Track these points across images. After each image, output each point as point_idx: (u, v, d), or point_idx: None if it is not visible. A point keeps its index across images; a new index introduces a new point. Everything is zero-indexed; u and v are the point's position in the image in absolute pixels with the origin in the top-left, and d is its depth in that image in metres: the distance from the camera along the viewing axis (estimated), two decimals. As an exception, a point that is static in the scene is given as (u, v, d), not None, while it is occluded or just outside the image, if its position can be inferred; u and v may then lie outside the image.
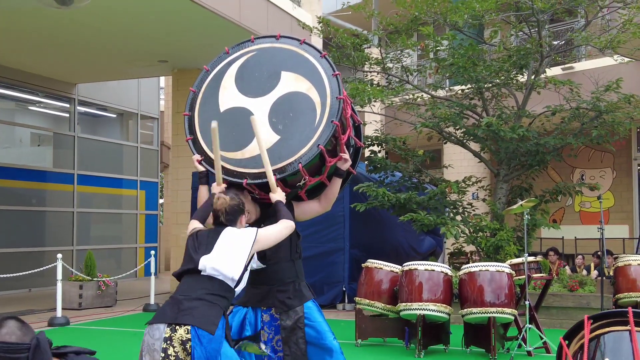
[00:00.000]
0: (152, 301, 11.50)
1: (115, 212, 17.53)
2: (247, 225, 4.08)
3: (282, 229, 3.78)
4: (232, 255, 3.57)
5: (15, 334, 2.53)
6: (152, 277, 11.69)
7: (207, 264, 3.54)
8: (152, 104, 18.76)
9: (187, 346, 3.32)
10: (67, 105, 16.12)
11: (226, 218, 3.72)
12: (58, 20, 10.92)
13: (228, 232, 3.67)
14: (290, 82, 4.11)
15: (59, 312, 9.82)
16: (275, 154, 3.94)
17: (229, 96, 4.17)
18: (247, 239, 3.64)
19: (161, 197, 23.03)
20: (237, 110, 4.11)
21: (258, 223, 4.11)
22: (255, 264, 4.06)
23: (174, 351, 3.33)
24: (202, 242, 3.63)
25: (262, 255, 4.06)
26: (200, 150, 4.13)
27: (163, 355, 3.33)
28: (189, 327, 3.34)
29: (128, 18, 10.97)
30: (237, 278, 3.56)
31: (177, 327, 3.35)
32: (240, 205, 3.78)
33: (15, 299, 13.18)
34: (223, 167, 4.01)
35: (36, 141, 16.77)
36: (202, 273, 3.55)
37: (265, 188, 4.01)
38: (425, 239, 13.61)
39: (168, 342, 3.35)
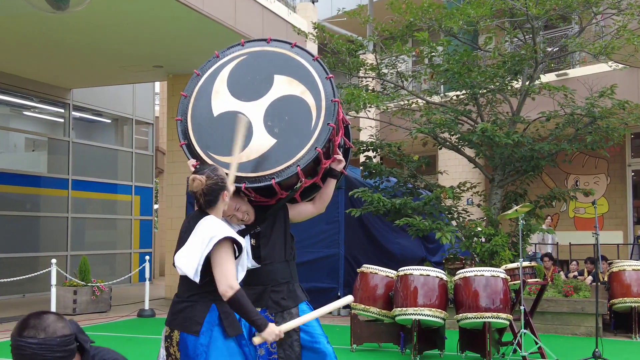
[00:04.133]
0: (146, 306, 11.47)
1: (110, 217, 17.50)
2: (243, 223, 4.09)
3: (224, 281, 3.35)
4: (190, 254, 3.43)
5: (67, 326, 2.55)
6: (147, 282, 11.66)
7: (176, 262, 3.50)
8: (147, 110, 18.75)
9: (178, 346, 3.44)
10: (62, 111, 16.10)
11: (205, 199, 3.51)
12: (53, 26, 10.92)
13: (200, 226, 3.46)
14: (284, 86, 4.11)
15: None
16: (273, 157, 3.94)
17: (222, 100, 4.17)
18: (206, 245, 3.36)
19: (156, 203, 23.01)
20: (231, 114, 4.11)
21: (253, 226, 4.12)
22: (250, 263, 4.07)
23: (173, 350, 3.45)
24: (182, 236, 3.56)
25: (257, 255, 4.07)
26: (195, 155, 4.12)
27: (166, 353, 3.48)
28: (178, 331, 3.45)
29: (123, 23, 10.97)
30: (195, 278, 3.38)
31: (173, 328, 3.48)
32: (219, 183, 3.53)
33: (9, 304, 13.12)
34: None
35: (31, 146, 16.75)
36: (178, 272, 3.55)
37: (262, 192, 4.01)
38: (420, 244, 13.62)
39: (168, 341, 3.48)
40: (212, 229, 3.41)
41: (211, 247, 3.34)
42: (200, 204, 3.53)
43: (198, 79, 4.33)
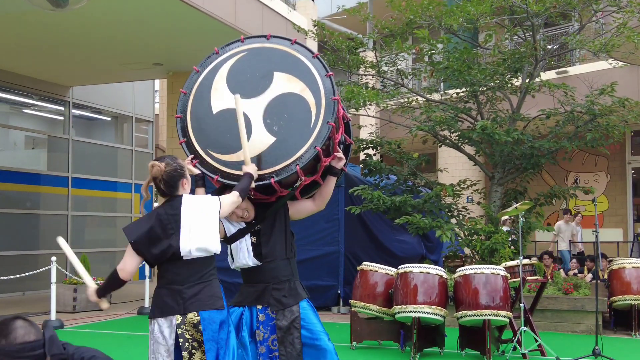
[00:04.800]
0: (146, 304, 11.47)
1: (110, 215, 17.50)
2: (242, 221, 4.10)
3: (234, 200, 3.77)
4: (208, 229, 3.62)
5: (32, 332, 2.61)
6: (147, 280, 11.66)
7: (191, 247, 3.59)
8: (146, 107, 18.74)
9: (199, 327, 3.56)
10: (62, 108, 16.10)
11: (165, 185, 3.66)
12: (53, 24, 10.91)
13: (188, 206, 3.63)
14: (283, 83, 4.09)
15: (53, 316, 9.79)
16: (272, 156, 3.93)
17: (221, 97, 4.15)
18: (212, 209, 3.66)
19: (156, 200, 22.99)
20: (230, 111, 4.08)
21: (254, 224, 4.11)
22: (251, 261, 4.07)
23: (190, 334, 3.57)
24: (166, 223, 3.60)
25: (258, 253, 4.07)
26: (194, 153, 4.11)
27: (182, 340, 3.56)
28: (197, 312, 3.57)
29: (123, 21, 10.96)
30: (219, 251, 3.65)
31: (187, 313, 3.58)
32: (178, 170, 3.69)
33: (9, 302, 13.13)
34: (219, 170, 4.00)
35: (30, 144, 16.75)
36: (185, 258, 3.59)
37: (261, 189, 4.00)
38: (419, 242, 13.62)
39: (182, 327, 3.57)
40: (203, 201, 3.69)
41: (218, 205, 3.67)
42: (162, 190, 3.68)
43: (197, 75, 4.31)
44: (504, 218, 11.10)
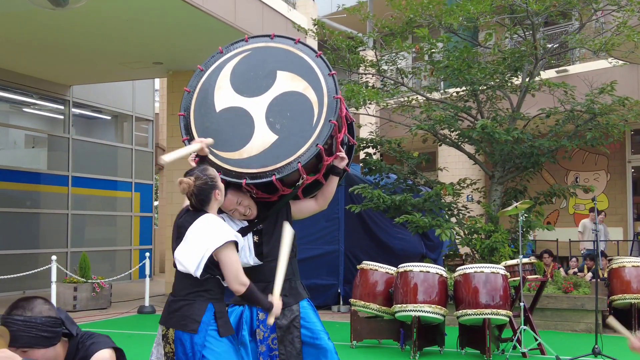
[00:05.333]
0: (146, 303, 11.48)
1: (110, 214, 17.51)
2: (245, 218, 4.10)
3: (230, 254, 3.48)
4: (193, 249, 3.49)
5: (53, 310, 2.73)
6: (147, 279, 11.67)
7: (177, 256, 3.56)
8: (147, 106, 18.74)
9: (174, 344, 3.49)
10: (62, 107, 16.10)
11: (197, 200, 3.57)
12: (52, 22, 10.91)
13: (199, 223, 3.52)
14: (286, 82, 4.11)
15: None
16: (274, 153, 3.94)
17: (225, 96, 4.16)
18: (212, 242, 3.43)
19: (156, 200, 23.01)
20: (234, 109, 4.10)
21: (256, 223, 4.12)
22: (253, 260, 4.08)
23: (170, 348, 3.49)
24: (182, 230, 3.59)
25: (259, 252, 4.08)
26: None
27: (164, 352, 3.53)
28: (173, 328, 3.50)
29: (123, 20, 10.96)
30: (196, 273, 3.45)
31: (169, 327, 3.52)
32: (209, 182, 3.57)
33: (10, 301, 12.97)
34: (221, 167, 4.00)
35: (31, 143, 16.75)
36: (177, 268, 3.58)
37: (263, 188, 4.01)
38: (420, 241, 13.62)
39: (165, 339, 3.53)
40: (217, 228, 3.50)
41: (219, 244, 3.42)
42: (194, 205, 3.59)
43: (202, 74, 4.33)
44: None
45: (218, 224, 3.54)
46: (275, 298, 3.64)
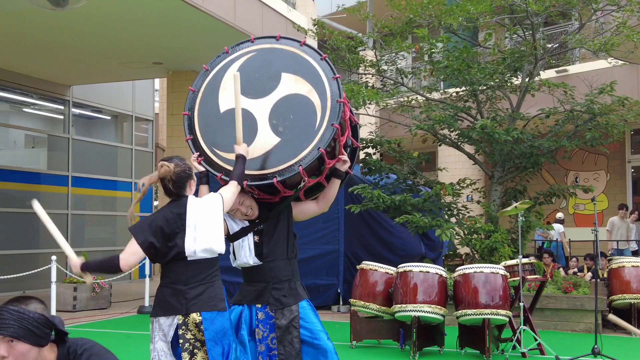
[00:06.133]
0: (146, 303, 11.48)
1: (110, 214, 17.50)
2: (247, 218, 4.11)
3: (234, 190, 3.81)
4: (213, 230, 3.65)
5: (46, 311, 2.77)
6: (147, 279, 11.67)
7: (195, 247, 3.61)
8: (146, 106, 18.74)
9: (201, 327, 3.59)
10: (62, 107, 16.10)
11: (174, 186, 3.71)
12: (52, 22, 10.91)
13: (193, 206, 3.67)
14: (290, 84, 4.11)
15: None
16: (276, 156, 3.95)
17: (229, 97, 4.16)
18: (217, 208, 3.69)
19: (155, 200, 22.99)
20: None
21: (257, 223, 4.12)
22: (253, 260, 4.08)
23: (192, 334, 3.60)
24: (172, 222, 3.64)
25: (259, 252, 4.08)
26: (200, 150, 4.13)
27: (182, 341, 3.59)
28: (199, 312, 3.60)
29: (122, 20, 10.97)
30: (223, 251, 3.71)
31: (190, 313, 3.60)
32: (187, 170, 3.75)
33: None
34: (223, 168, 4.01)
35: (30, 143, 16.75)
36: (190, 258, 3.62)
37: (265, 189, 4.01)
38: (419, 241, 13.61)
39: (183, 327, 3.60)
40: (207, 201, 3.72)
41: (221, 202, 3.71)
42: (170, 189, 3.72)
43: (207, 74, 4.33)
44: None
45: (203, 198, 3.78)
46: (239, 143, 3.89)
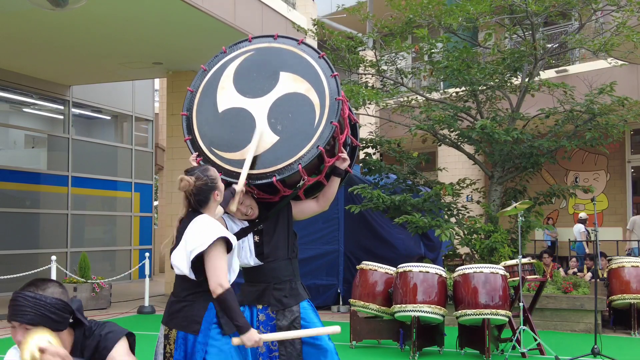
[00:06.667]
0: (146, 303, 11.49)
1: (110, 214, 17.50)
2: (247, 218, 4.10)
3: (215, 280, 3.39)
4: (183, 252, 3.50)
5: (65, 295, 2.71)
6: (147, 279, 11.67)
7: (172, 260, 3.56)
8: (146, 106, 18.74)
9: (175, 344, 3.49)
10: (62, 107, 16.10)
11: (195, 200, 3.53)
12: (53, 23, 10.91)
13: (193, 225, 3.48)
14: (289, 83, 4.11)
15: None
16: (275, 154, 3.95)
17: (227, 96, 4.17)
18: (200, 241, 3.39)
19: (156, 200, 23.01)
20: (236, 110, 4.11)
21: (257, 223, 4.12)
22: (253, 261, 4.08)
23: (170, 349, 3.50)
24: (177, 235, 3.57)
25: (259, 252, 4.08)
26: (198, 150, 4.13)
27: (163, 351, 3.53)
28: (175, 329, 3.50)
29: (122, 20, 10.96)
30: (191, 276, 3.45)
31: (171, 328, 3.53)
32: (209, 183, 3.54)
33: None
34: (222, 168, 4.00)
35: (30, 143, 16.75)
36: (175, 270, 3.57)
37: (264, 188, 4.01)
38: (419, 241, 13.62)
39: (167, 339, 3.53)
40: (205, 227, 3.44)
41: (205, 246, 3.36)
42: (191, 203, 3.56)
43: (205, 74, 4.33)
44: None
45: (206, 225, 3.46)
46: (257, 336, 3.50)
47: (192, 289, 3.49)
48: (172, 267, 3.60)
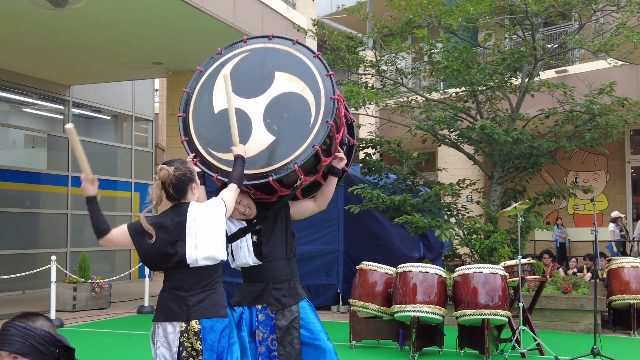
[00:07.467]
0: (146, 303, 11.49)
1: (109, 214, 17.48)
2: (244, 220, 4.10)
3: (234, 194, 3.75)
4: (215, 237, 3.55)
5: (54, 329, 2.77)
6: (146, 279, 11.67)
7: (197, 255, 3.53)
8: (146, 106, 18.74)
9: (200, 336, 3.53)
10: (62, 107, 16.10)
11: (174, 189, 3.58)
12: (52, 22, 10.91)
13: (195, 212, 3.55)
14: (284, 83, 4.12)
15: (52, 314, 9.79)
16: (271, 154, 3.95)
17: (223, 97, 4.18)
18: (219, 214, 3.60)
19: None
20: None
21: (255, 223, 4.12)
22: (252, 260, 4.08)
23: (190, 342, 3.54)
24: (171, 230, 3.53)
25: (258, 252, 4.08)
26: (195, 151, 4.13)
27: (181, 348, 3.53)
28: (199, 320, 3.55)
29: (122, 20, 10.97)
30: (226, 259, 3.68)
31: (190, 320, 3.55)
32: (188, 174, 3.61)
33: (9, 301, 13.14)
34: (219, 169, 4.01)
35: (30, 143, 16.76)
36: (191, 265, 3.55)
37: (262, 188, 4.02)
38: (419, 242, 13.62)
39: (185, 335, 3.55)
40: (209, 206, 3.63)
41: (223, 207, 3.64)
42: (171, 194, 3.61)
43: (201, 75, 4.34)
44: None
45: (206, 204, 3.65)
46: (236, 144, 3.85)
47: (211, 276, 3.61)
48: (181, 265, 3.55)
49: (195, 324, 3.52)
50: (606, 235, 15.98)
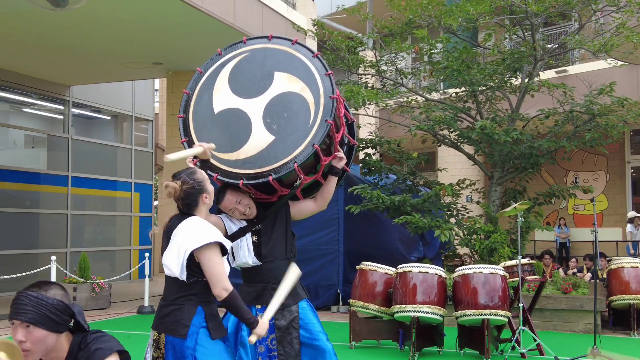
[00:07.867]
0: (146, 303, 11.49)
1: (110, 214, 17.51)
2: (245, 218, 4.09)
3: (218, 259, 3.38)
4: (175, 251, 3.43)
5: (66, 298, 2.75)
6: (146, 279, 11.68)
7: (164, 261, 3.50)
8: (146, 106, 18.75)
9: (164, 349, 3.44)
10: (62, 107, 16.11)
11: (184, 204, 3.52)
12: (52, 22, 10.92)
13: (182, 225, 3.44)
14: (283, 83, 4.13)
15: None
16: (271, 154, 3.96)
17: (223, 97, 4.19)
18: (191, 243, 3.34)
19: (155, 200, 23.01)
20: (231, 111, 4.14)
21: (255, 223, 4.13)
22: (252, 261, 4.08)
23: (160, 353, 3.44)
24: (167, 236, 3.52)
25: (258, 253, 4.09)
26: None
27: (155, 355, 3.47)
28: (164, 333, 3.45)
29: (122, 20, 10.97)
30: (182, 277, 3.40)
31: (160, 332, 3.48)
32: (196, 186, 3.50)
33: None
34: (219, 169, 4.02)
35: (30, 143, 16.76)
36: (166, 273, 3.52)
37: (262, 188, 4.02)
38: (419, 242, 13.62)
39: (155, 344, 3.48)
40: (199, 228, 3.42)
41: (198, 244, 3.33)
42: (181, 209, 3.54)
43: (200, 76, 4.36)
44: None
45: (201, 225, 3.44)
46: (264, 321, 3.54)
47: (181, 291, 3.44)
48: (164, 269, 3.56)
49: (163, 336, 3.44)
50: (606, 235, 15.99)
